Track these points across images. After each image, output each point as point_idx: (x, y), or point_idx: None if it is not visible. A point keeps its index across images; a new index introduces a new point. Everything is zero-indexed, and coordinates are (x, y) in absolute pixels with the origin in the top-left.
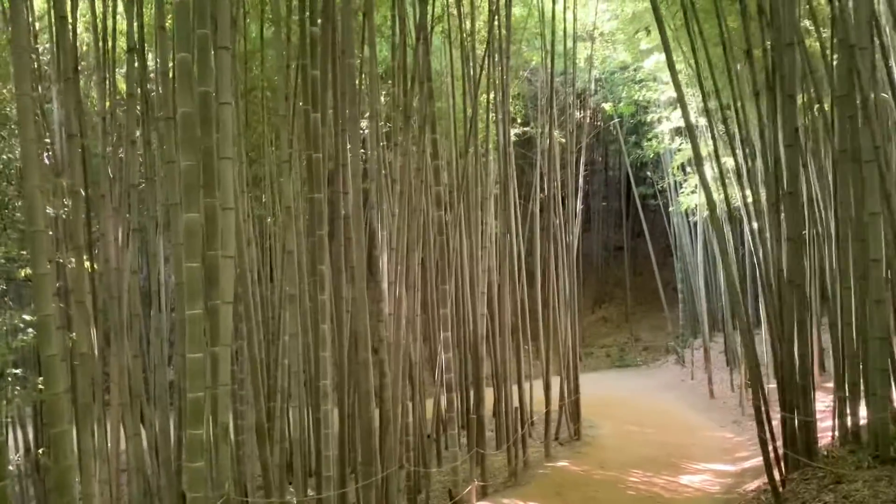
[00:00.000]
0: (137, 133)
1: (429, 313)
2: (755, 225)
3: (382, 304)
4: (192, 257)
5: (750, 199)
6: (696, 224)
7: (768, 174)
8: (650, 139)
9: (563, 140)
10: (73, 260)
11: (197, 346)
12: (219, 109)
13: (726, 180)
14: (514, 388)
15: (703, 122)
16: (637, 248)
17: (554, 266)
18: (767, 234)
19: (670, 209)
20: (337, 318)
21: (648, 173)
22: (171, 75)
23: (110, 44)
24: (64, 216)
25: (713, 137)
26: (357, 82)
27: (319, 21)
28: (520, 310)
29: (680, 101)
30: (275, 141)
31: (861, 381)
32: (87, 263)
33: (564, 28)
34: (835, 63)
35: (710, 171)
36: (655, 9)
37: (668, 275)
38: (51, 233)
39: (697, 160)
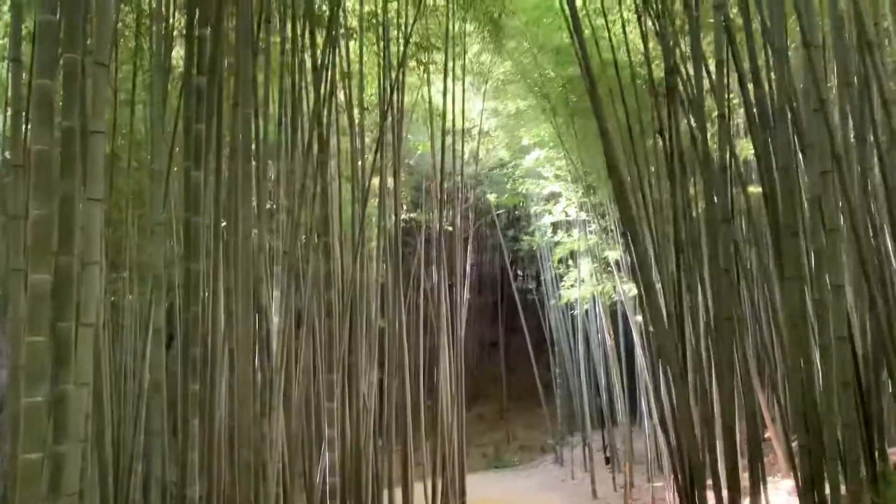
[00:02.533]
0: None
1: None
2: (638, 318)
3: (267, 394)
4: (36, 329)
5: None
6: (575, 317)
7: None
8: (529, 233)
9: (451, 227)
10: None
11: (36, 443)
12: (89, 140)
13: (606, 274)
14: (398, 491)
15: (583, 216)
16: (510, 343)
17: (442, 358)
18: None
19: (551, 303)
20: (209, 412)
21: (524, 268)
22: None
23: None
24: None
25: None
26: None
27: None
28: (409, 404)
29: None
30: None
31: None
32: None
33: (453, 120)
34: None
35: (589, 264)
36: None
37: (543, 370)
38: None
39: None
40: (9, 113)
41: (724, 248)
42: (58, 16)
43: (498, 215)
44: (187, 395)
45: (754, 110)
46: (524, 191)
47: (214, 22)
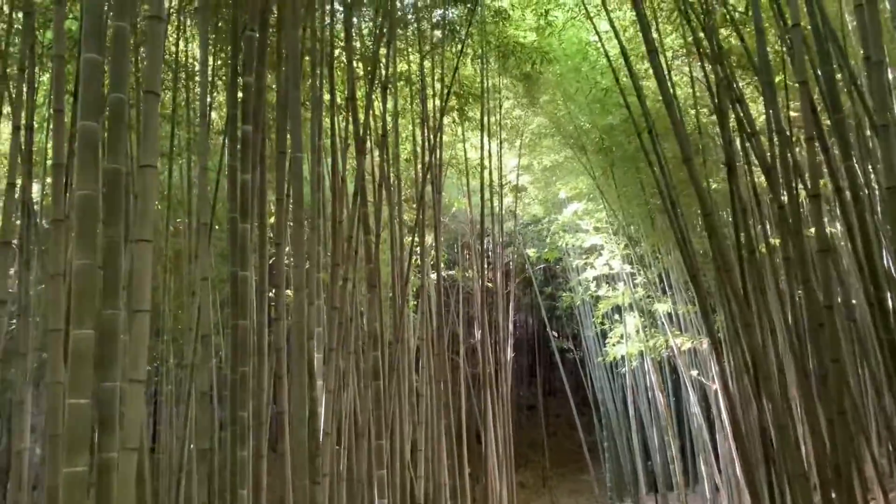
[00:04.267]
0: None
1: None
2: (693, 372)
3: (318, 461)
4: (78, 390)
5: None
6: (621, 375)
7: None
8: (568, 290)
9: (490, 285)
10: None
11: None
12: (140, 175)
13: (654, 328)
14: None
15: (627, 268)
16: (550, 405)
17: (491, 420)
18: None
19: (595, 361)
20: (255, 481)
21: (561, 327)
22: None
23: None
24: None
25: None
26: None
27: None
28: (457, 471)
29: None
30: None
31: None
32: None
33: (490, 175)
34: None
35: (635, 318)
36: None
37: (587, 433)
38: None
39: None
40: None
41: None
42: (102, 55)
43: (534, 272)
44: (236, 463)
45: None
46: (563, 245)
47: (257, 70)
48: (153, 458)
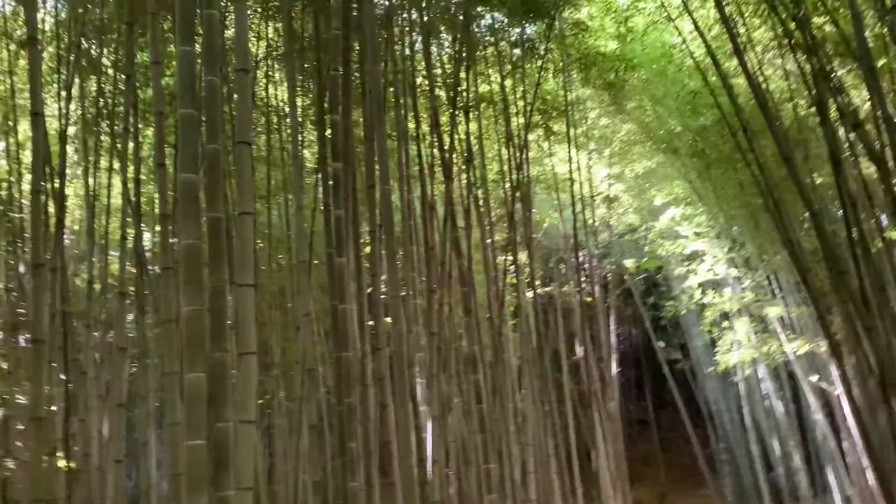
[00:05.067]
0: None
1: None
2: (813, 378)
3: (428, 488)
4: (194, 432)
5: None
6: (735, 384)
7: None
8: (672, 298)
9: (589, 298)
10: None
11: None
12: (238, 223)
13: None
14: None
15: (733, 272)
16: (661, 419)
17: (601, 438)
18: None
19: (707, 370)
20: None
21: (668, 337)
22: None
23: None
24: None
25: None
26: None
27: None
28: (569, 491)
29: None
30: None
31: None
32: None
33: (580, 188)
34: None
35: (746, 324)
36: None
37: (703, 446)
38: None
39: None
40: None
41: None
42: (197, 109)
43: (634, 283)
44: (348, 493)
45: None
46: (663, 253)
47: (343, 107)
48: (269, 489)
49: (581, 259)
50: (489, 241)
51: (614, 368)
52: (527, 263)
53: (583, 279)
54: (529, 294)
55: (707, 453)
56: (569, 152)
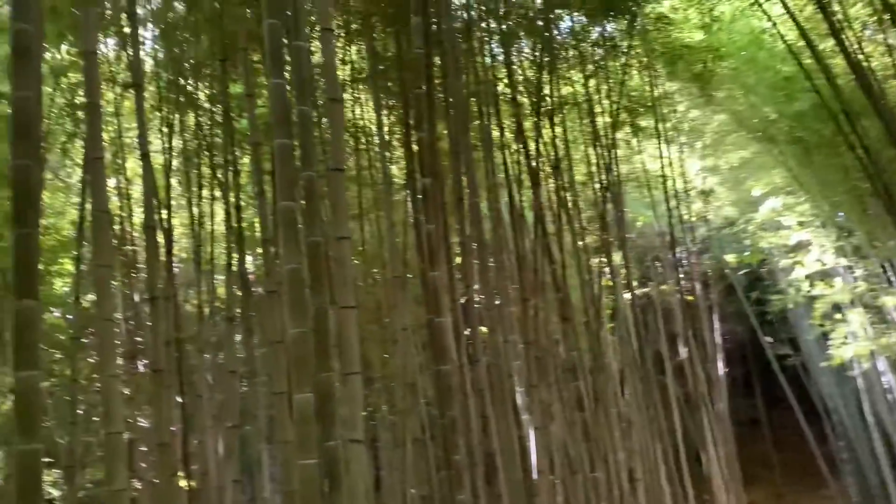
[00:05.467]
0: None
1: None
2: None
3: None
4: (305, 451)
5: None
6: (853, 379)
7: None
8: (778, 292)
9: (690, 297)
10: (164, 478)
11: None
12: (336, 248)
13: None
14: None
15: (843, 262)
16: (773, 417)
17: (710, 440)
18: None
19: (821, 365)
20: None
21: (775, 332)
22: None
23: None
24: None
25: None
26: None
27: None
28: (680, 497)
29: None
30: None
31: None
32: (183, 481)
33: (674, 185)
34: None
35: (861, 315)
36: None
37: (820, 444)
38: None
39: None
40: (258, 251)
41: None
42: (291, 138)
43: (736, 278)
44: None
45: None
46: (766, 245)
47: (428, 123)
48: (379, 503)
49: (678, 256)
50: (581, 244)
51: (721, 367)
52: (622, 264)
53: (682, 277)
54: (627, 296)
55: (825, 452)
56: (659, 148)
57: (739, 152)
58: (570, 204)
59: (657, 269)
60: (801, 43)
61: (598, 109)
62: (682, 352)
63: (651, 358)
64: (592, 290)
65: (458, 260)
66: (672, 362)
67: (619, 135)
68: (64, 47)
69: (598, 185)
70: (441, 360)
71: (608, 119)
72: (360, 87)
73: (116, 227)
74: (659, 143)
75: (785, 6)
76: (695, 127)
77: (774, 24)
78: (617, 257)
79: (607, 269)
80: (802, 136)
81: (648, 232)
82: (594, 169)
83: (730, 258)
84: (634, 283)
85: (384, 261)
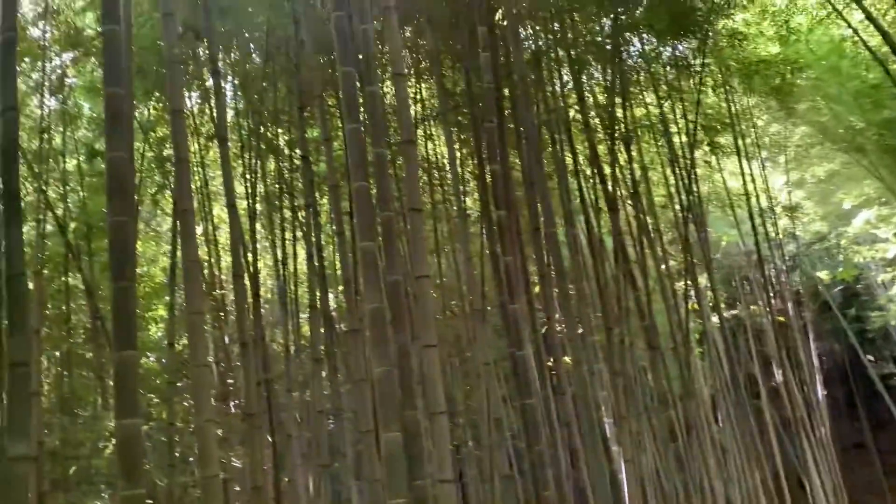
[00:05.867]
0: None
1: None
2: None
3: None
4: (395, 490)
5: None
6: None
7: None
8: (876, 308)
9: (782, 318)
10: None
11: None
12: (416, 284)
13: None
14: None
15: None
16: (881, 440)
17: (812, 465)
18: None
19: None
20: None
21: (877, 349)
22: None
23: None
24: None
25: None
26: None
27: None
28: None
29: None
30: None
31: None
32: None
33: (757, 202)
34: None
35: None
36: None
37: None
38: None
39: None
40: (339, 288)
41: None
42: (367, 181)
43: (830, 295)
44: None
45: None
46: (860, 260)
47: (501, 156)
48: None
49: (767, 275)
50: (664, 267)
51: (820, 390)
52: (708, 287)
53: (772, 297)
54: (715, 319)
55: None
56: (740, 165)
57: (826, 164)
58: (650, 227)
59: (745, 290)
60: (886, 48)
61: (673, 129)
62: (777, 375)
63: (744, 382)
64: (678, 315)
65: (538, 289)
66: (767, 386)
67: (697, 154)
68: (151, 103)
69: (678, 207)
70: (525, 394)
71: (685, 139)
72: (432, 123)
73: (205, 271)
74: (739, 160)
75: (866, 12)
76: (776, 141)
77: (856, 32)
78: (702, 279)
79: (693, 293)
80: (894, 143)
81: (734, 251)
82: (673, 190)
83: (822, 275)
84: (722, 306)
85: (462, 293)
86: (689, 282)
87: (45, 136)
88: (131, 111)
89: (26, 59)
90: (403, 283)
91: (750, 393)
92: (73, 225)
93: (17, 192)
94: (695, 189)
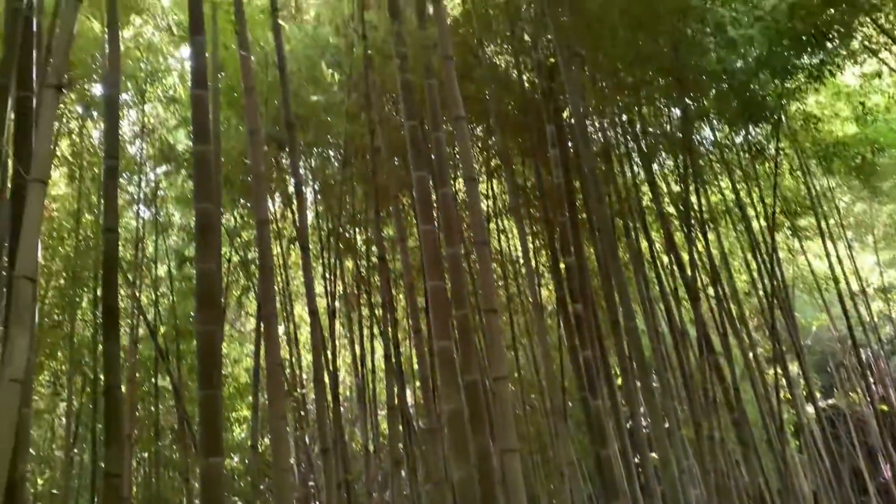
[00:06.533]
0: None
1: None
2: None
3: None
4: None
5: None
6: None
7: None
8: None
9: (885, 406)
10: None
11: None
12: (494, 386)
13: None
14: None
15: None
16: None
17: None
18: None
19: None
20: None
21: None
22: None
23: (370, 390)
24: None
25: None
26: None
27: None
28: None
29: None
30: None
31: None
32: None
33: (846, 283)
34: None
35: None
36: None
37: None
38: None
39: None
40: (417, 384)
41: None
42: (443, 280)
43: None
44: None
45: None
46: None
47: (575, 249)
48: None
49: (864, 360)
50: (752, 356)
51: None
52: (800, 375)
53: (872, 383)
54: (810, 409)
55: None
56: (824, 247)
57: None
58: (734, 315)
59: (842, 377)
60: None
61: (751, 214)
62: (885, 469)
63: (849, 477)
64: (770, 405)
65: (620, 383)
66: (875, 482)
67: (778, 237)
68: (237, 211)
69: (762, 292)
70: (612, 494)
71: (764, 223)
72: (505, 218)
73: (287, 370)
74: (824, 242)
75: None
76: (862, 221)
77: None
78: (793, 367)
79: (784, 381)
80: None
81: (825, 336)
82: (756, 275)
83: None
84: (817, 395)
85: (541, 388)
86: (779, 370)
87: (139, 245)
88: (220, 225)
89: (125, 174)
90: (481, 383)
91: (856, 489)
92: (162, 329)
93: (116, 308)
94: (778, 273)
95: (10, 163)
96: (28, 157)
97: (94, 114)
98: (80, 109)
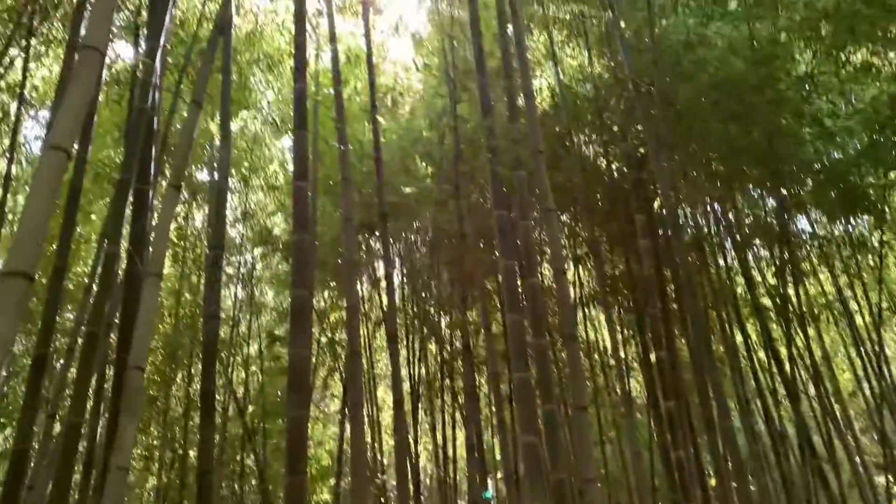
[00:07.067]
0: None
1: None
2: None
3: None
4: None
5: None
6: None
7: None
8: None
9: None
10: None
11: None
12: (584, 488)
13: None
14: None
15: None
16: None
17: None
18: None
19: None
20: None
21: None
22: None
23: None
24: None
25: None
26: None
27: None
28: None
29: None
30: None
31: None
32: None
33: None
34: None
35: None
36: None
37: None
38: None
39: None
40: (499, 475)
41: None
42: (530, 372)
43: None
44: None
45: None
46: None
47: (667, 343)
48: None
49: None
50: (859, 460)
51: None
52: None
53: None
54: None
55: None
56: None
57: None
58: (838, 416)
59: None
60: None
61: (854, 308)
62: None
63: None
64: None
65: (713, 484)
66: None
67: (885, 334)
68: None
69: (868, 393)
70: None
71: (869, 318)
72: (591, 306)
73: (368, 453)
74: None
75: None
76: None
77: None
78: None
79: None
80: None
81: None
82: (861, 374)
83: None
84: None
85: (630, 486)
86: (890, 478)
87: (233, 325)
88: (311, 308)
89: (224, 256)
90: (569, 482)
91: None
92: (251, 408)
93: (213, 394)
94: (886, 372)
95: (123, 252)
96: (141, 244)
97: (198, 198)
98: (185, 195)
